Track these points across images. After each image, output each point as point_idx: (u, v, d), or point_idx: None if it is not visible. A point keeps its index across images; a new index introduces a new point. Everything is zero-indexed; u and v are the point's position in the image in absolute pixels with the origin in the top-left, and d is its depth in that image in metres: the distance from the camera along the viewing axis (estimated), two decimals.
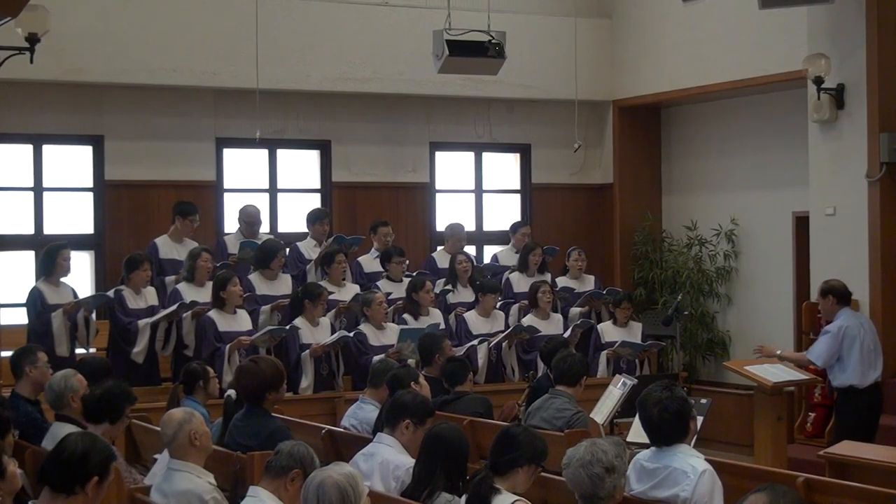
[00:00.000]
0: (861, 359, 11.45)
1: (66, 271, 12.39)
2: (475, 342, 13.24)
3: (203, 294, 12.70)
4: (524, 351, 13.61)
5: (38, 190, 14.49)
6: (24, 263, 13.61)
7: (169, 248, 13.45)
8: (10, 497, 5.74)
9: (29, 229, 14.38)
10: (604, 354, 13.62)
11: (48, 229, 14.42)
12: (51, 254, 12.34)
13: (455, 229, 15.02)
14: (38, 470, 5.89)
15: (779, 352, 12.07)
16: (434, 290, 13.71)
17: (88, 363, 9.93)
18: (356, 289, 13.56)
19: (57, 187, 14.66)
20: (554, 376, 9.89)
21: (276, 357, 10.17)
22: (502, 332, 13.59)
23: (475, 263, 14.71)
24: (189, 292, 12.65)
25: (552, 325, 13.78)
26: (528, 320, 13.73)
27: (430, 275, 14.20)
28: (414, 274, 14.14)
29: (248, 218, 14.01)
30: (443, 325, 13.38)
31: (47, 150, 14.56)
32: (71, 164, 14.76)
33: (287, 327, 12.44)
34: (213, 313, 12.33)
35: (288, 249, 13.89)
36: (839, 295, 11.63)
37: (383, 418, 8.03)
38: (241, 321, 12.48)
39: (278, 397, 8.57)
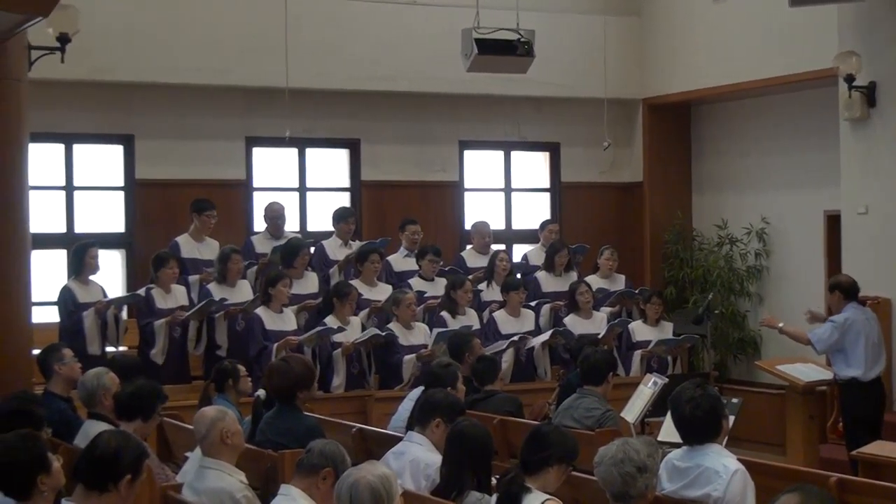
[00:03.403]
0: (865, 353, 11.52)
1: (95, 269, 12.47)
2: (503, 344, 13.19)
3: (234, 294, 12.75)
4: (565, 350, 13.55)
5: (69, 189, 14.57)
6: (56, 262, 13.67)
7: (190, 247, 13.47)
8: (54, 493, 5.79)
9: (61, 228, 14.45)
10: (638, 354, 13.57)
11: (79, 228, 14.48)
12: (78, 252, 12.42)
13: (479, 227, 15.02)
14: (70, 467, 5.93)
15: (781, 324, 12.14)
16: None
17: (120, 361, 9.96)
18: (388, 289, 13.57)
19: (88, 186, 14.73)
20: (580, 375, 9.89)
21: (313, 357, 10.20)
22: (531, 332, 13.56)
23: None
24: (219, 293, 12.70)
25: (595, 325, 13.72)
26: (569, 321, 13.70)
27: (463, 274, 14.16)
28: (446, 269, 14.15)
29: (272, 213, 14.03)
30: (478, 326, 13.36)
31: (78, 149, 14.64)
32: (102, 163, 14.82)
33: (335, 327, 12.46)
34: (260, 311, 12.40)
35: (313, 248, 13.92)
36: (845, 290, 11.69)
37: (414, 417, 8.04)
38: (287, 320, 12.54)
39: (309, 396, 8.59)
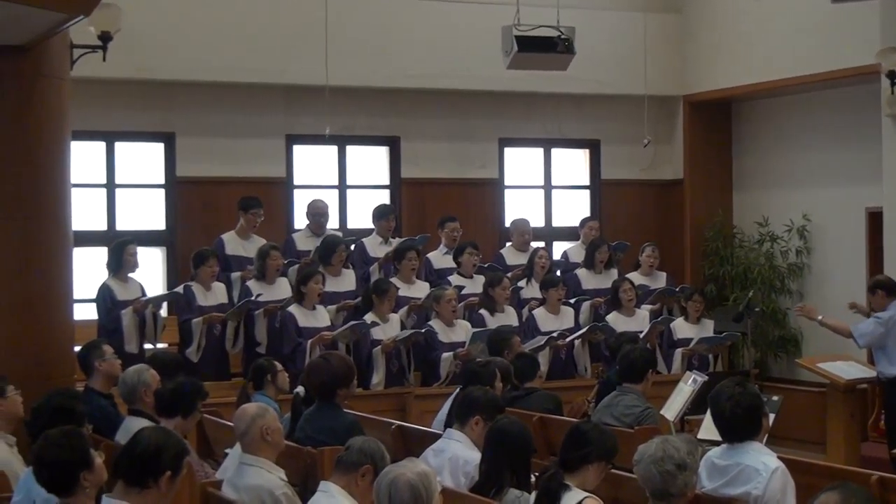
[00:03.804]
0: None
1: (134, 266, 12.52)
2: (542, 340, 13.17)
3: (273, 291, 12.79)
4: (606, 347, 13.52)
5: (110, 186, 14.65)
6: (97, 259, 13.73)
7: (235, 244, 13.51)
8: (96, 489, 5.82)
9: (101, 226, 14.52)
10: (679, 352, 13.55)
11: (120, 225, 14.56)
12: (117, 250, 12.46)
13: (518, 224, 15.00)
14: (111, 464, 5.96)
15: (820, 317, 12.04)
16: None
17: (160, 358, 10.01)
18: (425, 286, 13.58)
19: (129, 184, 14.81)
20: (619, 373, 9.87)
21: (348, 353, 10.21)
22: (571, 329, 13.55)
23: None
24: (258, 290, 12.74)
25: (637, 323, 13.70)
26: (611, 318, 13.69)
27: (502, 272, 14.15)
28: (485, 266, 14.14)
29: (316, 212, 14.04)
30: (517, 324, 13.35)
31: (119, 147, 14.72)
32: (143, 160, 14.90)
33: (369, 322, 12.48)
34: (293, 308, 12.45)
35: (353, 246, 13.94)
36: (888, 288, 11.62)
37: (453, 414, 8.04)
38: (320, 317, 12.60)
39: (349, 393, 8.60)
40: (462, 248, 13.99)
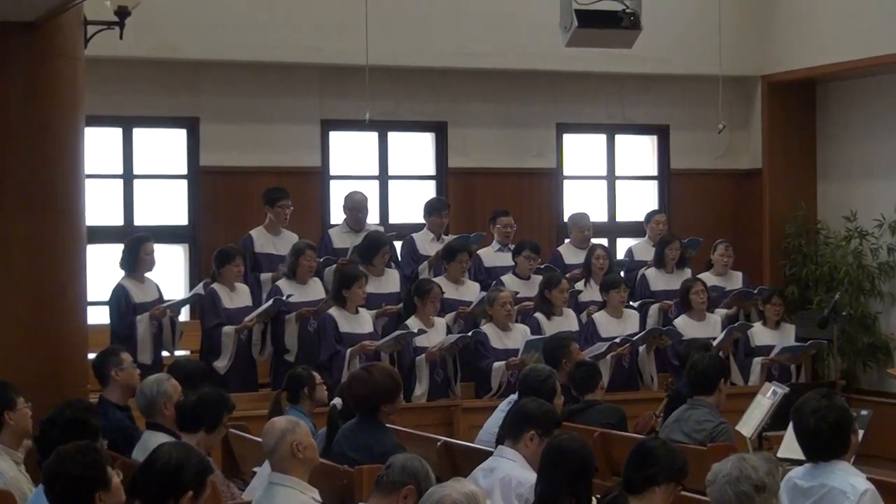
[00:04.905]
0: None
1: (151, 265, 12.53)
2: (602, 348, 13.12)
3: (305, 293, 12.80)
4: (675, 355, 13.47)
5: (128, 177, 14.70)
6: (113, 257, 13.78)
7: (265, 240, 13.52)
8: None
9: (118, 220, 14.59)
10: (758, 361, 13.50)
11: (139, 220, 14.63)
12: (132, 248, 12.48)
13: (577, 219, 14.96)
14: (128, 482, 5.98)
15: None
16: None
17: (183, 366, 10.05)
18: (475, 287, 13.57)
19: (148, 174, 14.88)
20: (689, 384, 9.84)
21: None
22: (635, 335, 13.50)
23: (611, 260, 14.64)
24: (289, 291, 12.73)
25: (708, 328, 13.66)
26: (680, 322, 13.64)
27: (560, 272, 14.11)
28: (542, 267, 14.12)
29: (354, 205, 14.01)
30: (576, 330, 13.32)
31: (138, 133, 14.78)
32: (163, 148, 14.97)
33: (415, 330, 12.49)
34: (333, 311, 12.43)
35: (401, 243, 13.94)
36: None
37: (505, 429, 8.03)
38: (363, 322, 12.58)
39: (394, 409, 8.61)
40: (520, 249, 13.95)
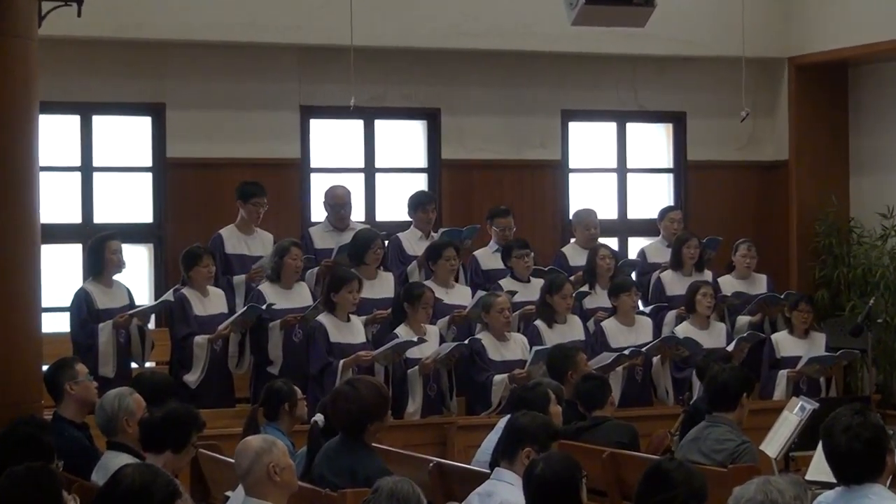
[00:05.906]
0: None
1: (118, 266, 12.52)
2: (609, 359, 13.05)
3: (288, 298, 12.77)
4: (677, 368, 13.48)
5: (86, 170, 14.71)
6: (71, 258, 13.79)
7: (237, 240, 13.51)
8: None
9: (76, 218, 14.61)
10: (784, 374, 13.48)
11: (99, 217, 14.64)
12: (96, 247, 12.48)
13: (583, 217, 14.94)
14: None
15: None
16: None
17: (147, 380, 10.03)
18: (467, 291, 13.55)
19: (109, 167, 14.91)
20: (708, 399, 9.83)
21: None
22: (649, 344, 13.48)
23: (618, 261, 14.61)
24: (273, 295, 12.71)
25: (712, 337, 13.65)
26: (682, 329, 13.63)
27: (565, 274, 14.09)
28: (546, 269, 14.08)
29: (336, 201, 13.98)
30: (583, 338, 13.30)
31: (97, 121, 14.80)
32: (126, 138, 14.99)
33: (416, 339, 12.46)
34: (323, 318, 12.39)
35: (387, 242, 13.92)
36: None
37: (500, 449, 8.00)
38: (355, 331, 12.56)
39: (381, 427, 8.59)
40: (508, 249, 13.92)
